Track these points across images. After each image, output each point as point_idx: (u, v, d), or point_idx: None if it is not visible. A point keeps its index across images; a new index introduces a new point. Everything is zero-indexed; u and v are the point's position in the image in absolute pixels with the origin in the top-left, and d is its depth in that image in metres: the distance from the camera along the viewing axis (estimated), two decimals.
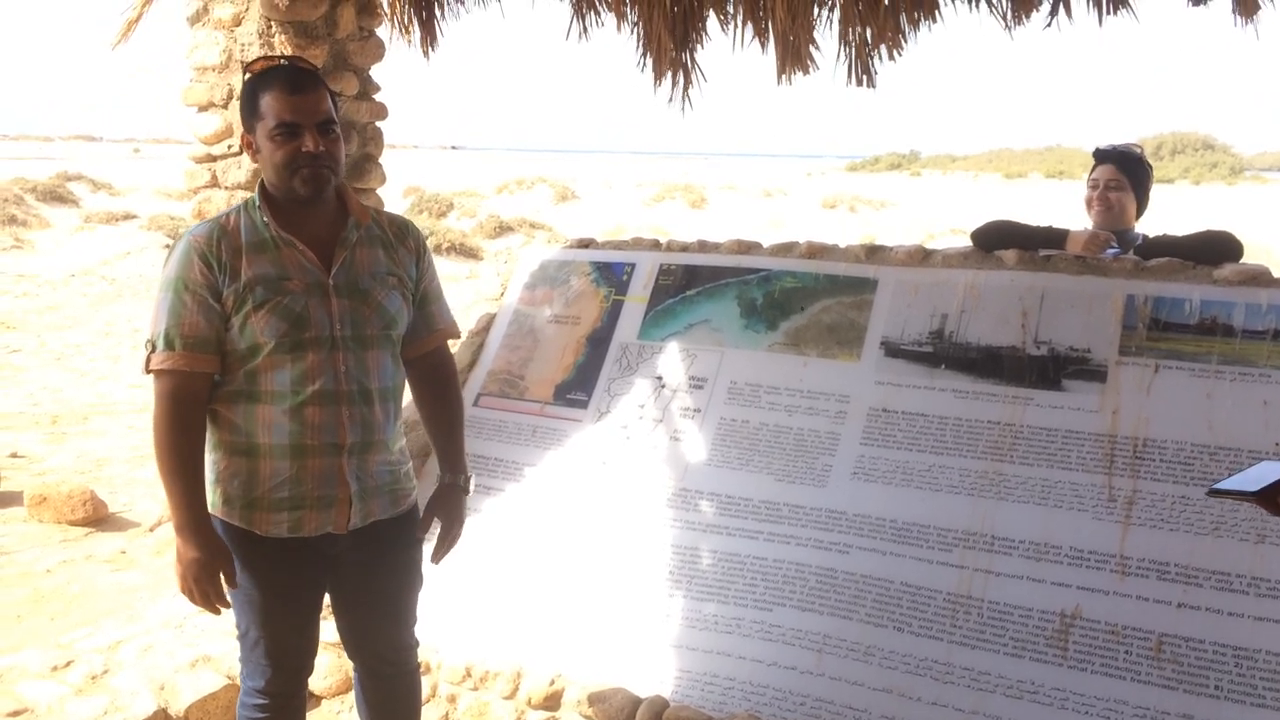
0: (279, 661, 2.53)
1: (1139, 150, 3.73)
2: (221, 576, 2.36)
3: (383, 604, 2.61)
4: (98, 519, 5.50)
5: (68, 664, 3.43)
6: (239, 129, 3.68)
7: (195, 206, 3.84)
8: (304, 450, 2.36)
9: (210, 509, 2.40)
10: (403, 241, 2.54)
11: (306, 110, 2.29)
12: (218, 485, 2.41)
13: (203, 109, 3.76)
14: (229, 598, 2.44)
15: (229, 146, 3.72)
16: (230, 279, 2.30)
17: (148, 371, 2.32)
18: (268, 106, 2.29)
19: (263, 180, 2.42)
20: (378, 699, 2.70)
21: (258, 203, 2.39)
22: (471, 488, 2.70)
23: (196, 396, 2.33)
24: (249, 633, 2.51)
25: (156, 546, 5.09)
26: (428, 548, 2.67)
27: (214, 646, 3.55)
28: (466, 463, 2.70)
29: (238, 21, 3.64)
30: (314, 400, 2.35)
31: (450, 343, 2.76)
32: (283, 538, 2.40)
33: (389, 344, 2.48)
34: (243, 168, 3.70)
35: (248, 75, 2.38)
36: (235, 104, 3.68)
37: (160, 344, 2.30)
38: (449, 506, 2.64)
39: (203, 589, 2.32)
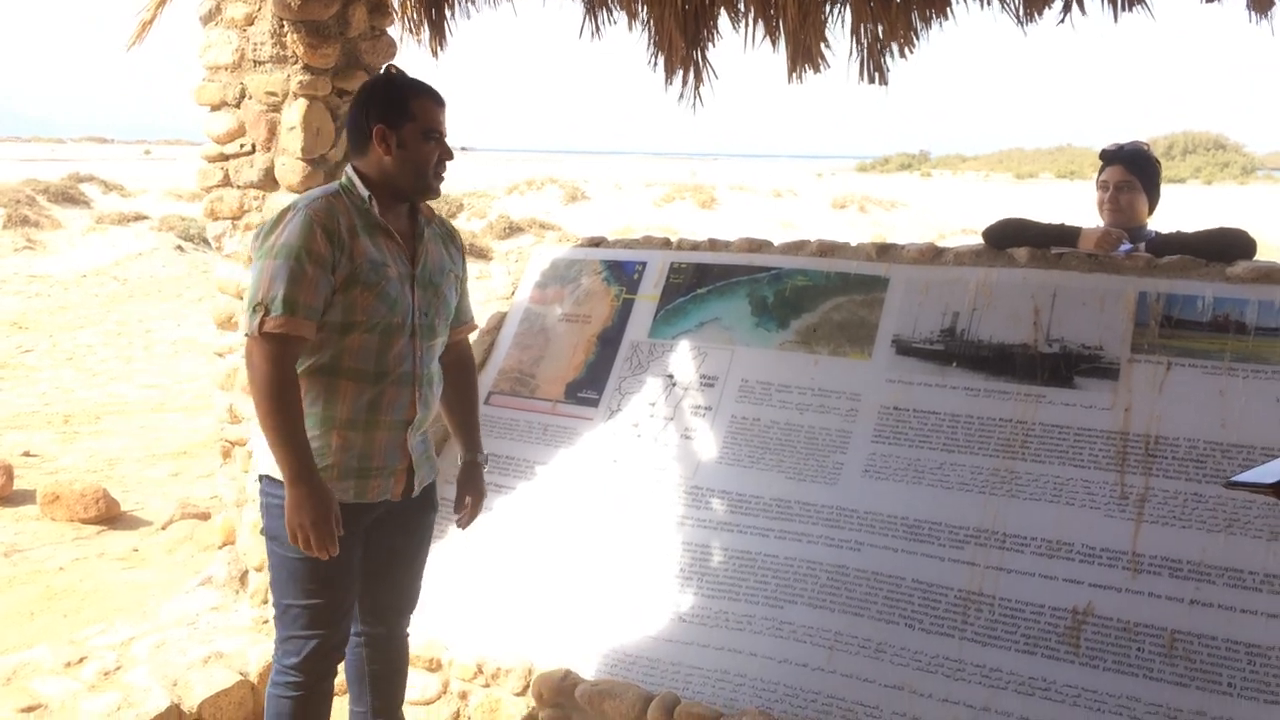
0: (324, 625, 2.59)
1: (1146, 147, 3.71)
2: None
3: (407, 565, 2.82)
4: (110, 517, 5.52)
5: (80, 660, 3.44)
6: (251, 128, 3.71)
7: (207, 205, 3.84)
8: (377, 425, 2.55)
9: (272, 472, 2.52)
10: (452, 240, 2.81)
11: (446, 123, 2.59)
12: None
13: (215, 108, 3.77)
14: (272, 574, 2.62)
15: (241, 145, 3.73)
16: (346, 256, 2.44)
17: (259, 333, 2.37)
18: (423, 111, 2.52)
19: (356, 170, 2.56)
20: (376, 665, 2.86)
21: (366, 193, 2.53)
22: (488, 464, 2.98)
23: (295, 359, 2.44)
24: (295, 602, 2.58)
25: (168, 545, 5.12)
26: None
27: (227, 643, 3.56)
28: (482, 442, 2.97)
29: (250, 21, 3.64)
30: (395, 380, 2.55)
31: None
32: (346, 502, 2.52)
33: (445, 333, 2.74)
34: (255, 166, 3.71)
35: (391, 78, 2.56)
36: (247, 103, 3.69)
37: (277, 308, 2.36)
38: (475, 482, 2.91)
39: (320, 532, 2.39)
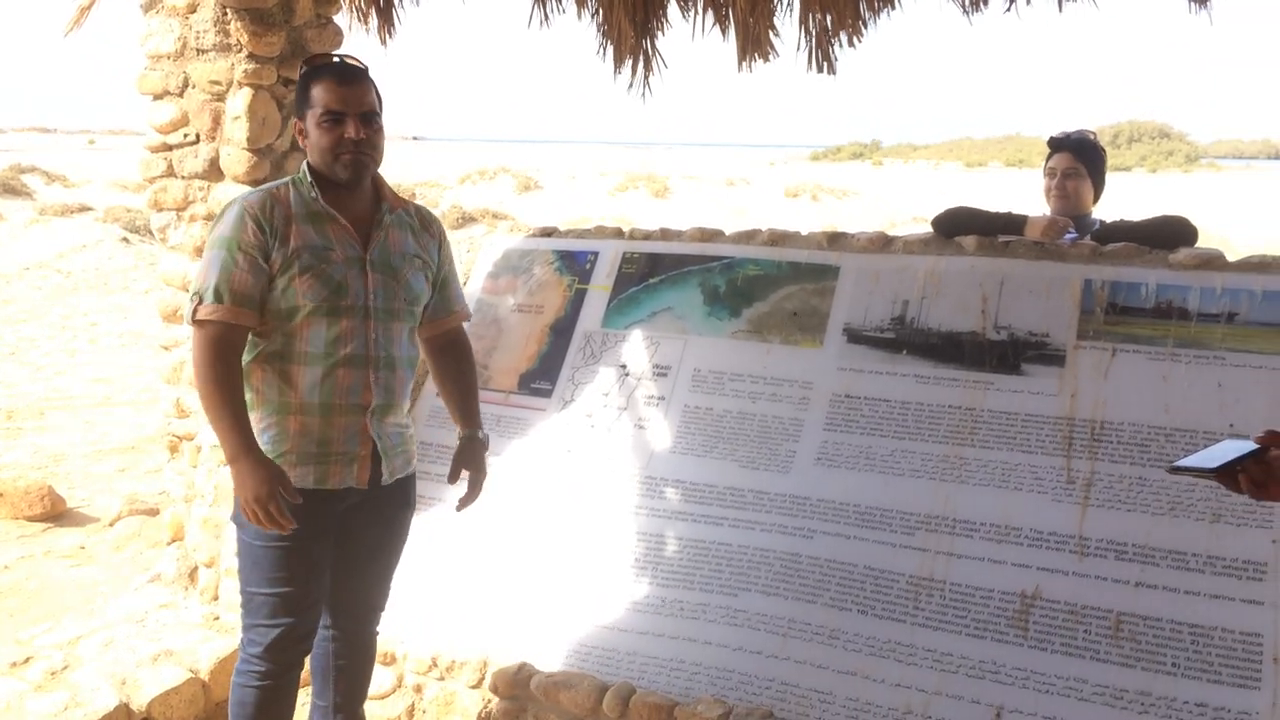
0: (290, 612, 2.59)
1: (1092, 135, 3.76)
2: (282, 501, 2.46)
3: (378, 562, 2.80)
4: (56, 514, 5.42)
5: (26, 660, 3.38)
6: (195, 117, 3.65)
7: (151, 196, 3.78)
8: (332, 409, 2.56)
9: None
10: (427, 229, 2.80)
11: (352, 100, 2.52)
12: None
13: (158, 97, 3.71)
14: (240, 561, 2.62)
15: (184, 135, 3.67)
16: (280, 243, 2.50)
17: (194, 321, 2.49)
18: (317, 95, 2.52)
19: (308, 163, 2.62)
20: (342, 661, 2.84)
21: (310, 180, 2.58)
22: (489, 444, 2.94)
23: (235, 346, 2.51)
24: (260, 590, 2.59)
25: (116, 541, 5.03)
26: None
27: (176, 640, 3.51)
28: (482, 421, 2.95)
29: (192, 9, 3.58)
30: (345, 363, 2.56)
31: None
32: (307, 489, 2.54)
33: (411, 319, 2.72)
34: (199, 156, 3.65)
35: (303, 69, 2.61)
36: (191, 92, 3.63)
37: (209, 297, 2.47)
38: (474, 458, 2.89)
39: (268, 509, 2.42)
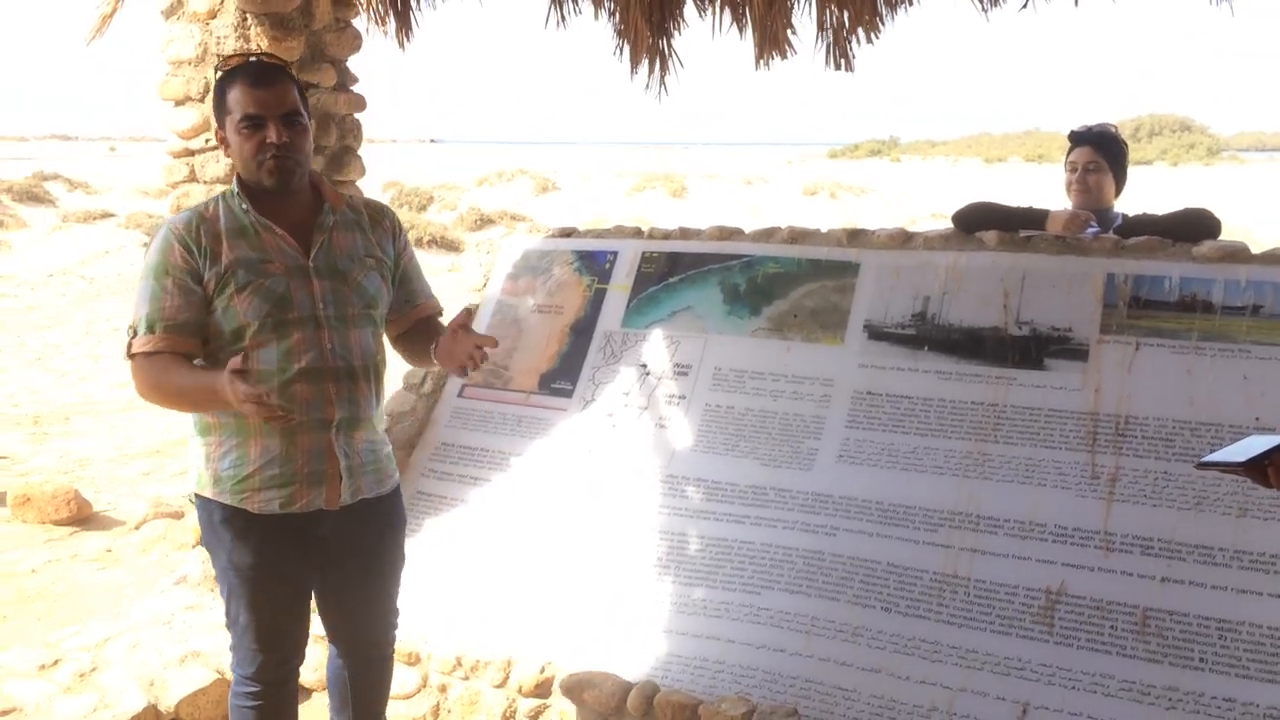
0: (270, 643, 2.55)
1: (1114, 129, 3.74)
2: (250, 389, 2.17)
3: (368, 586, 2.66)
4: (82, 518, 5.46)
5: (55, 662, 3.41)
6: (215, 123, 3.68)
7: (174, 202, 3.81)
8: (293, 427, 2.38)
9: (200, 489, 2.48)
10: (379, 223, 2.62)
11: (270, 102, 2.36)
12: (209, 466, 2.46)
13: (179, 103, 3.74)
14: (219, 585, 2.55)
15: (206, 140, 3.70)
16: (211, 263, 2.36)
17: (130, 356, 2.37)
18: (234, 100, 2.37)
19: (238, 174, 2.48)
20: (357, 682, 2.75)
21: (236, 191, 2.44)
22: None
23: (174, 363, 2.37)
24: (239, 618, 2.53)
25: (142, 545, 5.07)
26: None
27: (203, 642, 3.54)
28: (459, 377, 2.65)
29: (213, 14, 3.61)
30: (301, 377, 2.40)
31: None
32: (275, 514, 2.43)
33: (370, 323, 2.53)
34: (220, 162, 3.67)
35: (219, 72, 2.44)
36: (212, 97, 3.67)
37: (142, 328, 2.36)
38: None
39: (242, 392, 2.11)
